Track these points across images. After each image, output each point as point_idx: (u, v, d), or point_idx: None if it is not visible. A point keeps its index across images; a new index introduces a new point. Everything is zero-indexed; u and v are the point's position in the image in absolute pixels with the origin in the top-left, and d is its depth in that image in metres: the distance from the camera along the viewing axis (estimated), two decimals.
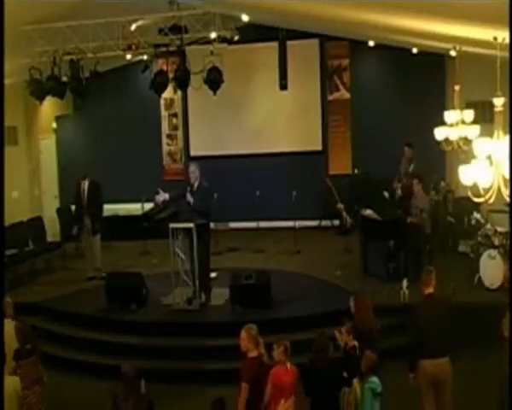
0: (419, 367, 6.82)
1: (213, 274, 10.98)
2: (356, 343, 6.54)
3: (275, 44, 13.62)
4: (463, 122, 9.66)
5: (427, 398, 6.86)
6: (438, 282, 10.45)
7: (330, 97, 15.04)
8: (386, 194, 12.23)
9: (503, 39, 6.49)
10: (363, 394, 6.18)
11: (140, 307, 10.05)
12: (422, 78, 14.22)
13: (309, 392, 6.26)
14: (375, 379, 6.17)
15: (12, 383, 6.17)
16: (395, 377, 7.84)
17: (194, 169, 10.08)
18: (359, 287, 10.34)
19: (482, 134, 8.19)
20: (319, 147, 15.14)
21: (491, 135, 5.68)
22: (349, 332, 6.58)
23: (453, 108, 9.88)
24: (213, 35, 10.08)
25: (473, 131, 9.33)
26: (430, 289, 7.01)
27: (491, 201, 5.52)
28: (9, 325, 6.97)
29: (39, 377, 6.75)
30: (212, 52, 10.38)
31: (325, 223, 14.69)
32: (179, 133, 15.71)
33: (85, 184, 11.67)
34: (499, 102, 5.76)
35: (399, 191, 12.03)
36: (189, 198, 9.90)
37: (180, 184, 11.33)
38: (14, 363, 6.59)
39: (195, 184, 9.97)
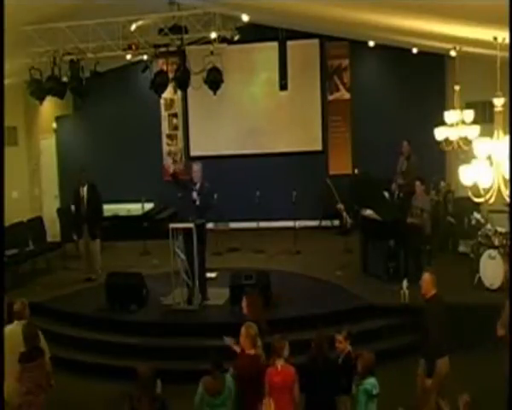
0: (439, 366, 6.79)
1: (213, 274, 11.00)
2: (350, 348, 6.54)
3: (275, 44, 13.62)
4: (463, 122, 9.68)
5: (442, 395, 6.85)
6: (436, 281, 10.44)
7: (330, 97, 15.05)
8: (386, 194, 12.23)
9: (503, 39, 6.49)
10: (358, 395, 6.12)
11: (140, 307, 10.05)
12: (422, 78, 14.23)
13: (305, 388, 6.26)
14: (371, 380, 6.09)
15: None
16: (394, 377, 7.87)
17: (198, 169, 10.08)
18: (361, 286, 10.38)
19: (482, 134, 8.20)
20: (319, 147, 15.15)
21: (491, 135, 5.68)
22: (346, 338, 6.55)
23: (453, 108, 9.89)
24: (213, 35, 10.08)
25: (473, 132, 9.34)
26: (435, 289, 6.99)
27: (491, 201, 5.52)
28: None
29: (45, 381, 6.68)
30: (212, 52, 10.38)
31: (325, 223, 14.69)
32: (179, 133, 15.72)
33: (84, 191, 11.60)
34: (499, 102, 5.76)
35: (397, 192, 12.04)
36: (195, 196, 9.88)
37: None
38: (19, 366, 6.48)
39: (198, 184, 9.96)
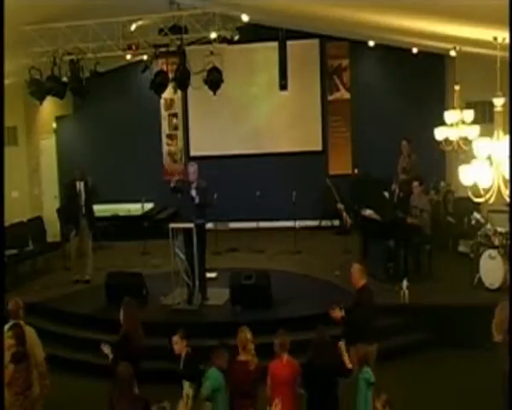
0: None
1: (213, 274, 11.00)
2: (189, 349, 6.73)
3: (275, 44, 13.63)
4: (463, 122, 9.69)
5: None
6: (436, 281, 10.46)
7: (330, 97, 15.06)
8: (386, 194, 12.22)
9: (503, 39, 6.51)
10: (358, 384, 6.31)
11: (140, 307, 10.03)
12: (422, 78, 14.23)
13: (307, 386, 6.29)
14: (368, 369, 6.36)
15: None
16: (393, 376, 7.86)
17: (193, 169, 10.08)
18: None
19: (482, 134, 8.20)
20: (319, 147, 15.15)
21: (491, 135, 5.69)
22: (183, 338, 6.79)
23: (453, 108, 9.91)
24: (213, 35, 10.08)
25: (473, 131, 9.35)
26: (365, 280, 7.31)
27: (491, 201, 5.53)
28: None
29: (31, 383, 6.64)
30: (212, 52, 10.38)
31: (325, 223, 14.70)
32: (179, 133, 15.73)
33: (81, 185, 11.44)
34: (499, 102, 5.77)
35: (397, 190, 12.01)
36: (194, 195, 9.85)
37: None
38: (12, 366, 6.36)
39: (195, 183, 9.96)
